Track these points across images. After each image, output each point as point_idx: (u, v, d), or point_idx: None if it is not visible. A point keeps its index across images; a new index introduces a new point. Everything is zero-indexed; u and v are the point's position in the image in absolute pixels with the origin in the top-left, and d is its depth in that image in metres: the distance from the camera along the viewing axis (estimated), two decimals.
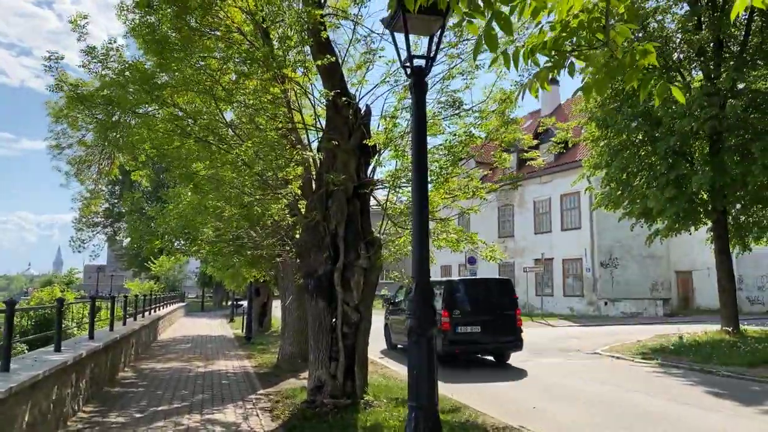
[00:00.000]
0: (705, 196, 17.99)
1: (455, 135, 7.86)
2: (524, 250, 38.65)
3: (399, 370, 12.49)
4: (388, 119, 8.08)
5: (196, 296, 71.68)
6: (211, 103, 8.43)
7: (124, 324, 13.87)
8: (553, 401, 9.71)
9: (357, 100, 9.06)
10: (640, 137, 18.73)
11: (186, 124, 8.08)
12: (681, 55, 19.38)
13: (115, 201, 61.12)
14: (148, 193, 43.69)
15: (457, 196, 8.44)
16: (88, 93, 8.15)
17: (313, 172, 9.31)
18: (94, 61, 8.55)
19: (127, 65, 7.84)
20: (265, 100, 8.41)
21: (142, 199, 14.40)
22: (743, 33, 17.99)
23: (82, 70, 8.52)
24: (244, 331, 20.13)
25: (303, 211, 9.47)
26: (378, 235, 9.08)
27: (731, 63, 17.31)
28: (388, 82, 7.85)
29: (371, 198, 9.54)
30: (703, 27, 18.16)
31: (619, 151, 18.99)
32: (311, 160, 9.37)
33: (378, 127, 9.18)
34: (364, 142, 8.90)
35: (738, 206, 19.18)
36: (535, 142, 11.05)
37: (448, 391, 9.96)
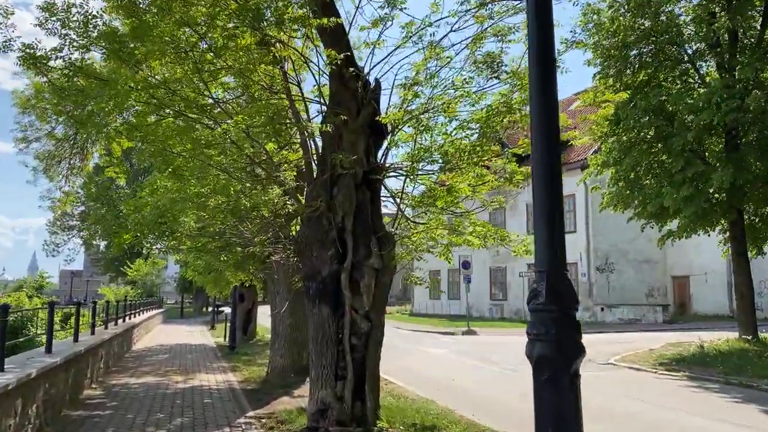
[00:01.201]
0: (720, 196, 16.90)
1: (492, 107, 6.50)
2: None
3: (405, 386, 11.08)
4: (407, 88, 6.71)
5: (174, 302, 69.46)
6: (195, 72, 6.99)
7: (93, 333, 12.29)
8: (594, 422, 8.37)
9: (366, 72, 7.71)
10: (652, 133, 17.63)
11: (163, 93, 6.65)
12: (693, 48, 18.41)
13: (92, 203, 59.00)
14: (125, 194, 41.76)
15: (488, 182, 7.10)
16: (44, 54, 6.68)
17: (314, 156, 7.90)
18: (53, 19, 7.08)
19: (91, 17, 6.39)
20: (261, 69, 7.03)
21: (110, 187, 12.74)
22: (760, 24, 17.00)
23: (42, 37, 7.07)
24: (228, 339, 18.57)
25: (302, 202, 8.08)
26: (391, 229, 7.71)
27: (748, 53, 16.32)
28: (411, 39, 6.48)
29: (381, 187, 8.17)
30: (717, 17, 17.16)
31: (628, 148, 17.85)
32: (311, 141, 7.97)
33: (389, 101, 7.82)
34: (376, 119, 7.57)
35: (752, 207, 18.14)
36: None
37: (469, 409, 8.61)
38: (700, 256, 33.75)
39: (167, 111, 6.83)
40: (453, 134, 6.59)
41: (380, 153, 7.97)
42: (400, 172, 7.72)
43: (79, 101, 6.41)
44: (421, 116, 6.67)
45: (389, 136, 7.67)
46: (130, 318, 20.91)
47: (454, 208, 7.47)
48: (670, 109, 16.81)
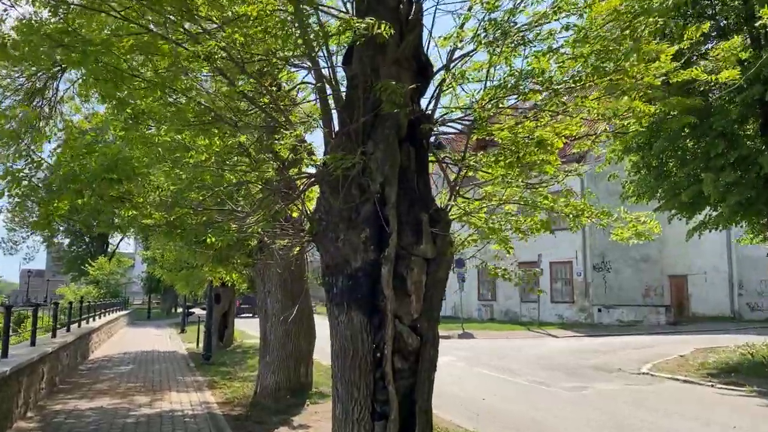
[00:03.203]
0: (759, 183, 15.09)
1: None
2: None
3: (440, 414, 8.81)
4: None
5: (142, 302, 66.08)
6: None
7: (33, 344, 9.79)
8: None
9: None
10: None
11: None
12: (723, 22, 16.66)
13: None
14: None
15: (602, 132, 4.85)
16: None
17: (331, 101, 5.59)
18: None
19: None
20: None
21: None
22: None
23: None
24: (202, 347, 16.04)
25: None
26: (451, 202, 5.48)
27: None
28: None
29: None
30: None
31: (656, 131, 15.94)
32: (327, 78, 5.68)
33: (431, 32, 5.63)
34: (420, 51, 5.38)
35: None
36: None
37: None
38: (699, 254, 32.31)
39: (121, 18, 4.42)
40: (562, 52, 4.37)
41: (426, 102, 5.76)
42: (463, 122, 5.48)
43: None
44: (512, 29, 4.42)
45: (443, 72, 5.43)
46: (88, 322, 18.28)
47: (537, 171, 5.28)
48: (698, 88, 14.99)
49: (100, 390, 10.91)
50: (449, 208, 5.54)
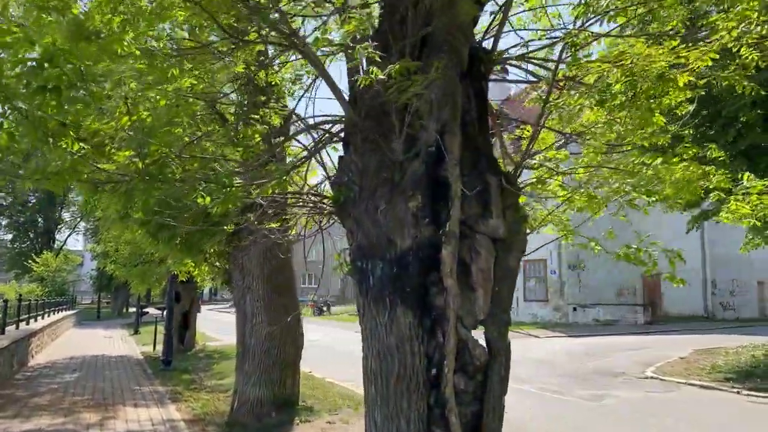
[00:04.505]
0: None
1: None
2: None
3: None
4: None
5: (91, 301, 62.54)
6: None
7: None
8: None
9: None
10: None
11: None
12: None
13: None
14: None
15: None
16: None
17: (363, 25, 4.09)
18: None
19: None
20: None
21: None
22: None
23: None
24: (162, 352, 14.17)
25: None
26: (522, 162, 4.09)
27: None
28: None
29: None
30: None
31: None
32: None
33: None
34: None
35: None
36: None
37: None
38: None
39: None
40: None
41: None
42: (535, 60, 4.08)
43: None
44: None
45: None
46: (28, 322, 16.19)
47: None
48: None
49: (39, 405, 9.06)
50: (519, 172, 4.15)
